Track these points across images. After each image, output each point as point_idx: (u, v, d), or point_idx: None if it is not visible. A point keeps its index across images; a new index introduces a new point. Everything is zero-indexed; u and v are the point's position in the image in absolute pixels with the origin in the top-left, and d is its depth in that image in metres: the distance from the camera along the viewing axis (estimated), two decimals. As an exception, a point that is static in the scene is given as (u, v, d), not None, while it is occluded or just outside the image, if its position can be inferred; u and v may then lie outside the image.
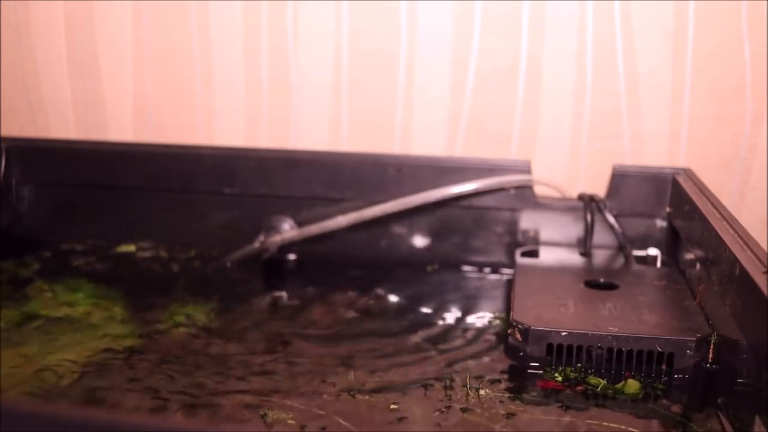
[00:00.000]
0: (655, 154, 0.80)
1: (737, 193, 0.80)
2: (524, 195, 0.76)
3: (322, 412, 0.51)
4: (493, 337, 0.63)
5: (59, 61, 0.87)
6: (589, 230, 0.73)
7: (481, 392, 0.54)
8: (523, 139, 0.82)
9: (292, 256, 0.79)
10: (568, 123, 0.81)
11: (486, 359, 0.59)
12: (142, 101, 0.87)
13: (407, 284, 0.74)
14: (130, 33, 0.85)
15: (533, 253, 0.73)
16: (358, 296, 0.71)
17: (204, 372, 0.57)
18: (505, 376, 0.56)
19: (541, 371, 0.57)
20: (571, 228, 0.76)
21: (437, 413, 0.51)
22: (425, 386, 0.55)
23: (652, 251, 0.72)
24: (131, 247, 0.81)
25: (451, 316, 0.67)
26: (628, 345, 0.56)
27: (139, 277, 0.75)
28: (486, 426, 0.50)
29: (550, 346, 0.57)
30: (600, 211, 0.73)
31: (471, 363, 0.58)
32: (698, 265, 0.62)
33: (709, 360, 0.56)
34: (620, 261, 0.72)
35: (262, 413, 0.51)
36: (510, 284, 0.71)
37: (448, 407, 0.52)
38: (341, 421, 0.50)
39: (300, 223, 0.77)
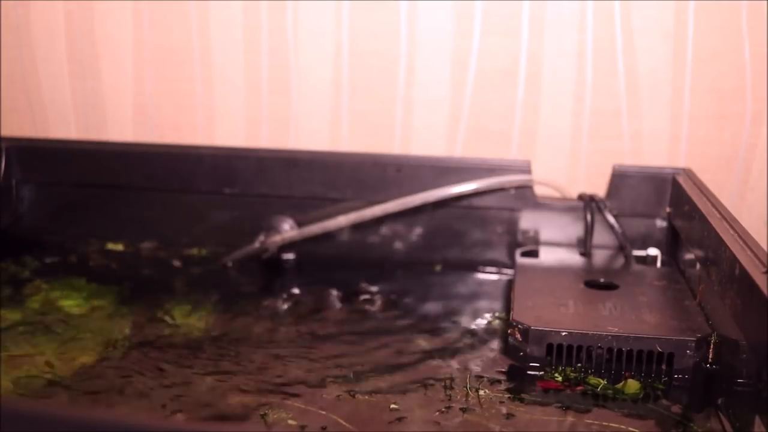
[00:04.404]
0: (655, 154, 0.80)
1: (737, 193, 0.80)
2: (524, 195, 0.76)
3: (322, 412, 0.51)
4: (493, 337, 0.63)
5: (59, 61, 0.87)
6: (589, 230, 0.73)
7: (481, 392, 0.54)
8: (523, 139, 0.82)
9: (292, 256, 0.79)
10: (568, 123, 0.81)
11: (486, 359, 0.59)
12: (142, 101, 0.87)
13: (407, 284, 0.74)
14: (130, 33, 0.85)
15: (533, 253, 0.73)
16: (358, 296, 0.71)
17: (204, 372, 0.57)
18: (505, 376, 0.56)
19: (541, 371, 0.57)
20: (571, 228, 0.76)
21: (437, 413, 0.51)
22: (425, 386, 0.55)
23: (652, 251, 0.72)
24: (119, 246, 0.81)
25: (451, 315, 0.67)
26: (628, 345, 0.56)
27: (139, 277, 0.75)
28: (486, 426, 0.50)
29: (550, 346, 0.57)
30: (600, 211, 0.73)
31: (471, 363, 0.58)
32: (698, 265, 0.62)
33: (709, 360, 0.56)
34: (620, 261, 0.72)
35: (262, 413, 0.51)
36: (510, 284, 0.71)
37: (448, 407, 0.52)
38: (341, 421, 0.50)
39: (300, 223, 0.77)
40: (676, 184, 0.72)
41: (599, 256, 0.73)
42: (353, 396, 0.53)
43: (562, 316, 0.59)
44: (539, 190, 0.76)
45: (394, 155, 0.78)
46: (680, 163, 0.80)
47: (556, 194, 0.78)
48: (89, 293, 0.70)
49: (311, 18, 0.82)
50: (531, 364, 0.57)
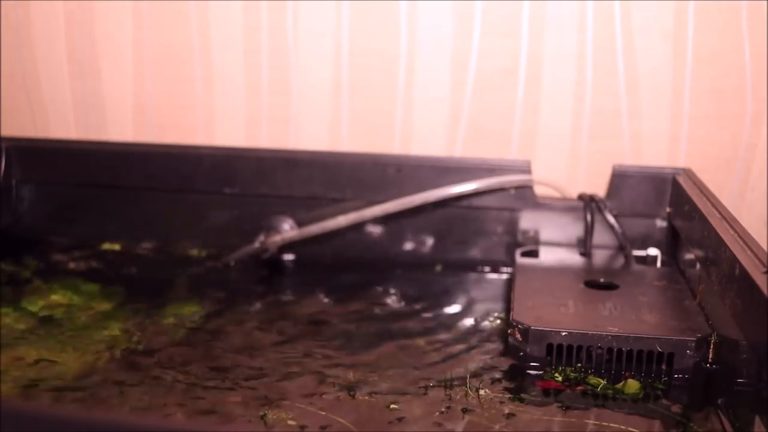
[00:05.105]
0: (655, 154, 0.80)
1: (737, 193, 0.80)
2: (524, 195, 0.76)
3: (322, 413, 0.51)
4: (493, 337, 0.63)
5: (59, 61, 0.87)
6: (589, 230, 0.73)
7: (481, 392, 0.54)
8: (523, 139, 0.82)
9: (291, 256, 0.79)
10: (568, 123, 0.81)
11: (486, 359, 0.59)
12: (142, 101, 0.87)
13: (407, 284, 0.74)
14: (130, 33, 0.85)
15: (533, 253, 0.73)
16: (358, 296, 0.71)
17: (204, 372, 0.57)
18: (505, 376, 0.56)
19: (541, 371, 0.57)
20: (571, 228, 0.76)
21: (437, 413, 0.51)
22: (425, 386, 0.55)
23: (652, 251, 0.72)
24: (119, 246, 0.81)
25: (451, 316, 0.67)
26: (628, 345, 0.56)
27: (139, 277, 0.75)
28: (486, 426, 0.50)
29: (550, 346, 0.57)
30: (600, 211, 0.73)
31: (471, 363, 0.58)
32: (698, 265, 0.62)
33: (709, 360, 0.56)
34: (620, 261, 0.72)
35: (262, 413, 0.51)
36: (510, 284, 0.71)
37: (448, 407, 0.52)
38: (341, 421, 0.50)
39: (300, 223, 0.77)
40: (676, 184, 0.72)
41: (599, 256, 0.73)
42: (353, 396, 0.53)
43: (562, 316, 0.59)
44: (539, 190, 0.76)
45: (394, 155, 0.78)
46: (680, 163, 0.80)
47: (556, 194, 0.78)
48: (89, 293, 0.70)
49: (311, 18, 0.82)
50: (531, 364, 0.57)
